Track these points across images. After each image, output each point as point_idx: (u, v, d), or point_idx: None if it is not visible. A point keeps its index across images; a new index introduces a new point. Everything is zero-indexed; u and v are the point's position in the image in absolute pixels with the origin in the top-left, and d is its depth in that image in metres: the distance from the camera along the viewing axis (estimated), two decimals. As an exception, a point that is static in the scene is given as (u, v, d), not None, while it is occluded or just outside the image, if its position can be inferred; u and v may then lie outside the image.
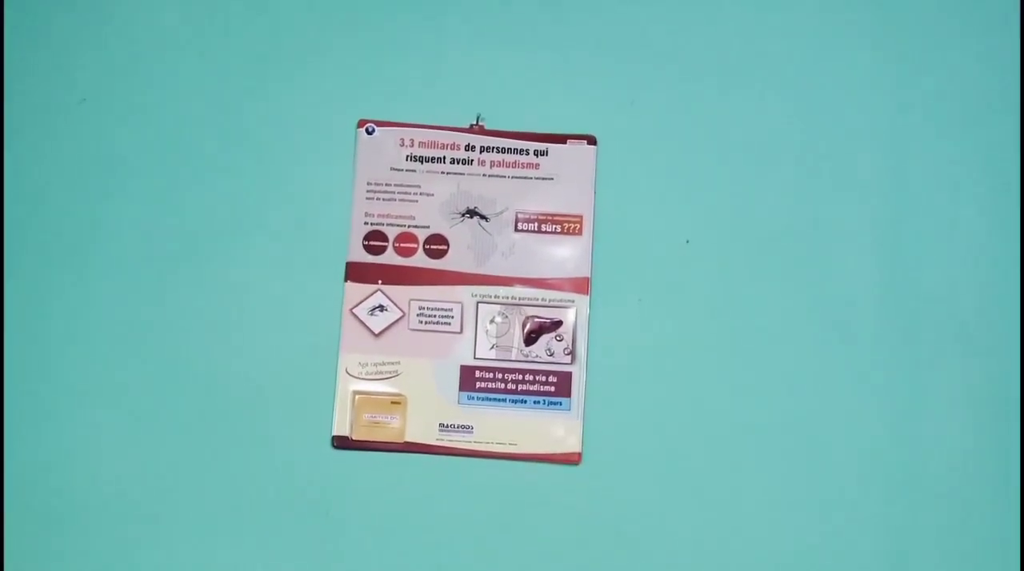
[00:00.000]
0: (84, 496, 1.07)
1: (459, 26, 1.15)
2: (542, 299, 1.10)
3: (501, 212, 1.12)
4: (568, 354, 1.10)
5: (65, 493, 1.07)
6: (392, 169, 1.12)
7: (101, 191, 1.12)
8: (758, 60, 1.16)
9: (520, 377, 1.09)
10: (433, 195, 1.12)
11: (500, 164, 1.12)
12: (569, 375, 1.09)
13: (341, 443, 1.08)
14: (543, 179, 1.12)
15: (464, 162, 1.12)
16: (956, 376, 1.12)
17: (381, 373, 1.09)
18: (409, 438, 1.08)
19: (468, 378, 1.09)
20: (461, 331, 1.10)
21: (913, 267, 1.14)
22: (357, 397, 1.08)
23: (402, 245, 1.11)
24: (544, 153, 1.13)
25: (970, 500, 1.11)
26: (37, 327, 1.09)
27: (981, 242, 1.15)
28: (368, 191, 1.12)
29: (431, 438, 1.08)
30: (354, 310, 1.10)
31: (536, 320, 1.10)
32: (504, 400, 1.09)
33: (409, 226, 1.11)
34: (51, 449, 1.08)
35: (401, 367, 1.09)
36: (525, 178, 1.12)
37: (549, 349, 1.10)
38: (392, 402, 1.09)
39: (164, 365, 1.09)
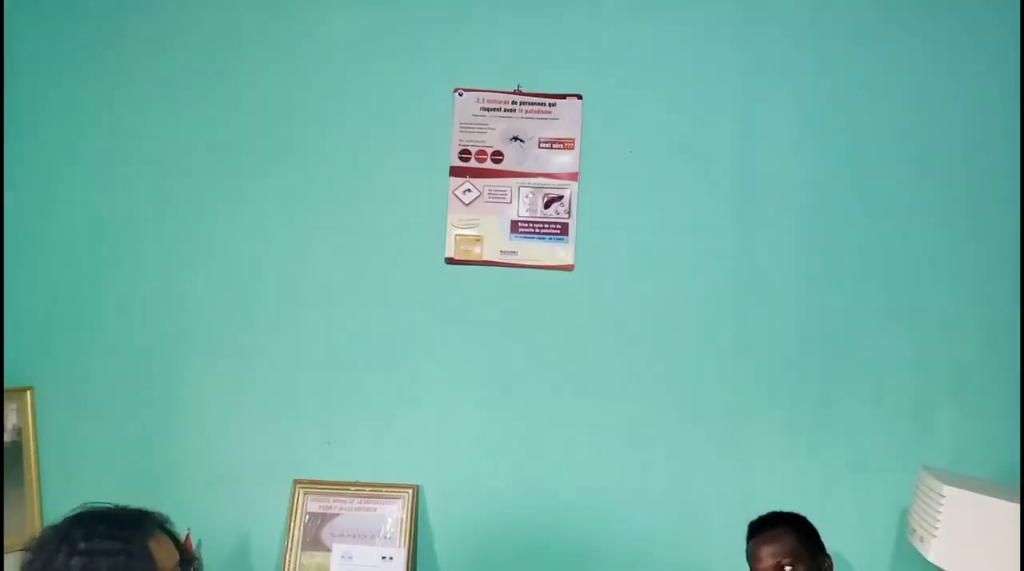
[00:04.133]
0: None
1: (510, 21, 2.08)
2: (553, 184, 2.07)
3: (531, 138, 2.07)
4: (567, 213, 2.07)
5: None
6: (473, 115, 2.08)
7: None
8: None
9: (541, 225, 2.07)
10: (495, 129, 2.08)
11: (530, 111, 2.07)
12: (567, 224, 2.07)
13: (450, 261, 2.09)
14: (553, 119, 2.07)
15: (511, 110, 2.08)
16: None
17: (469, 224, 2.08)
18: (485, 257, 2.08)
19: (514, 226, 2.08)
20: (511, 202, 2.08)
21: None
22: (457, 236, 2.08)
23: (479, 156, 2.08)
24: (554, 104, 2.07)
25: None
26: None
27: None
28: (460, 127, 2.08)
29: (496, 257, 2.08)
30: (455, 191, 2.08)
31: (549, 195, 2.07)
32: (533, 237, 2.08)
33: (482, 146, 2.08)
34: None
35: (480, 221, 2.08)
36: (543, 119, 2.07)
37: (556, 211, 2.07)
38: (475, 239, 2.08)
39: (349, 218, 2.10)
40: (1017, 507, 1.59)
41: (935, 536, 1.64)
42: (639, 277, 2.09)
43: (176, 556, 1.26)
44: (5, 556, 1.75)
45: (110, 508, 1.27)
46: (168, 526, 1.32)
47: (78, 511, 1.24)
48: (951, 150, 2.09)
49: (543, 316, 2.09)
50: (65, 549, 1.17)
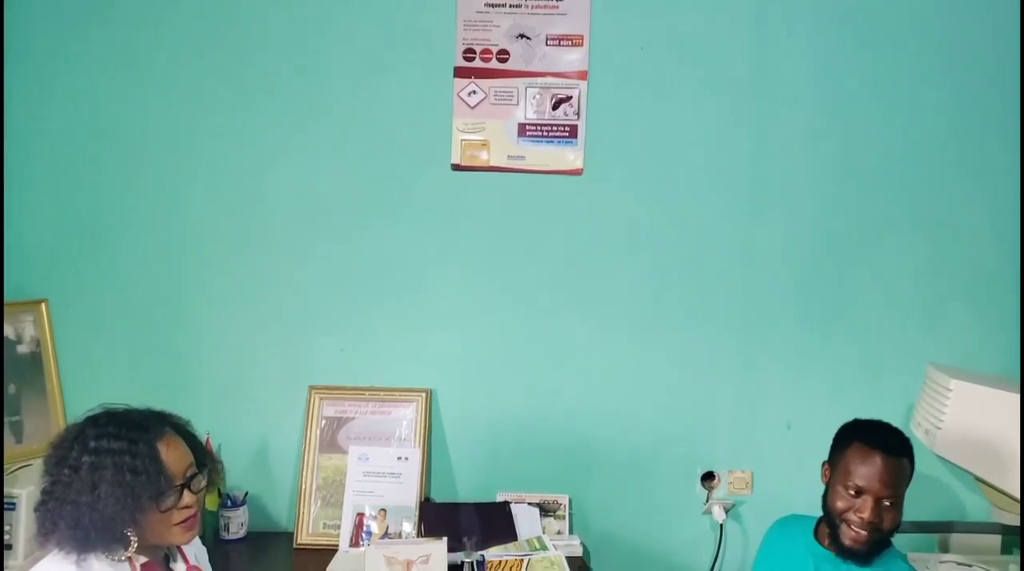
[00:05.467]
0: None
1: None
2: (561, 84, 2.01)
3: (538, 35, 2.00)
4: (576, 114, 2.02)
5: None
6: (477, 12, 2.00)
7: None
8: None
9: (549, 128, 2.03)
10: (500, 26, 2.00)
11: (536, 6, 1.99)
12: (576, 126, 2.02)
13: (456, 167, 2.05)
14: (561, 15, 1.99)
15: (516, 6, 1.99)
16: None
17: (475, 129, 2.04)
18: (492, 163, 2.04)
19: (522, 129, 2.03)
20: (517, 103, 2.02)
21: None
22: (463, 141, 2.04)
23: (483, 55, 2.01)
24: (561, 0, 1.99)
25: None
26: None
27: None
28: (464, 25, 2.01)
29: (503, 162, 2.04)
30: (459, 94, 2.03)
31: (557, 96, 2.02)
32: (541, 141, 2.03)
33: (487, 44, 2.01)
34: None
35: (486, 125, 2.03)
36: (550, 14, 1.99)
37: (565, 112, 2.02)
38: (481, 144, 2.04)
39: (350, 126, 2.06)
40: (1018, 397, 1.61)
41: (940, 428, 1.67)
42: (650, 181, 2.05)
43: (188, 459, 1.28)
44: (33, 461, 1.81)
45: (127, 409, 1.28)
46: (187, 428, 1.34)
47: (96, 411, 1.27)
48: (975, 42, 2.01)
49: (552, 222, 2.07)
50: (78, 446, 1.20)
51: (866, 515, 1.41)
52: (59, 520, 1.17)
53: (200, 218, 2.07)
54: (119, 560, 1.20)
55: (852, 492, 1.44)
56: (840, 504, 1.45)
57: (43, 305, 2.01)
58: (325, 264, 2.08)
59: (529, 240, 2.07)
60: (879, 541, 1.43)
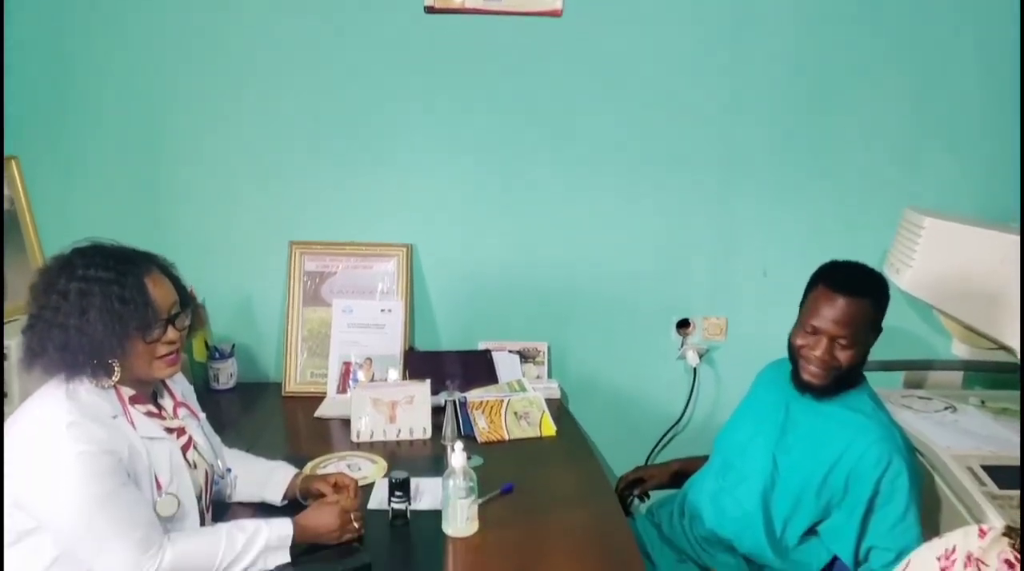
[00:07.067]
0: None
1: None
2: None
3: None
4: None
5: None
6: None
7: None
8: None
9: None
10: None
11: None
12: (554, -37, 1.92)
13: (429, 9, 1.97)
14: None
15: None
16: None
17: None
18: (467, 5, 1.96)
19: None
20: None
21: None
22: (436, -18, 1.95)
23: None
24: None
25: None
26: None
27: None
28: None
29: (479, 4, 1.95)
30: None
31: None
32: None
33: None
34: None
35: None
36: None
37: None
38: (455, -16, 1.95)
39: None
40: (996, 233, 1.63)
41: (910, 266, 1.70)
42: (631, 22, 1.98)
43: (173, 297, 1.29)
44: (17, 317, 1.83)
45: (115, 244, 1.29)
46: (172, 270, 1.34)
47: (84, 242, 1.27)
48: None
49: (530, 68, 2.01)
50: (65, 274, 1.21)
51: (818, 353, 1.45)
52: (48, 343, 1.19)
53: (173, 72, 2.00)
54: (105, 388, 1.24)
55: (809, 331, 1.47)
56: (798, 341, 1.50)
57: (13, 162, 1.96)
58: (298, 116, 2.03)
59: (506, 87, 2.02)
60: (838, 378, 1.48)
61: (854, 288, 1.44)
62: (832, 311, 1.43)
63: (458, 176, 2.07)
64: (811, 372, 1.48)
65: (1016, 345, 1.54)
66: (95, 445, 1.17)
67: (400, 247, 2.10)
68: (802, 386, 1.51)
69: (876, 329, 1.48)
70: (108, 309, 1.19)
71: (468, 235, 2.11)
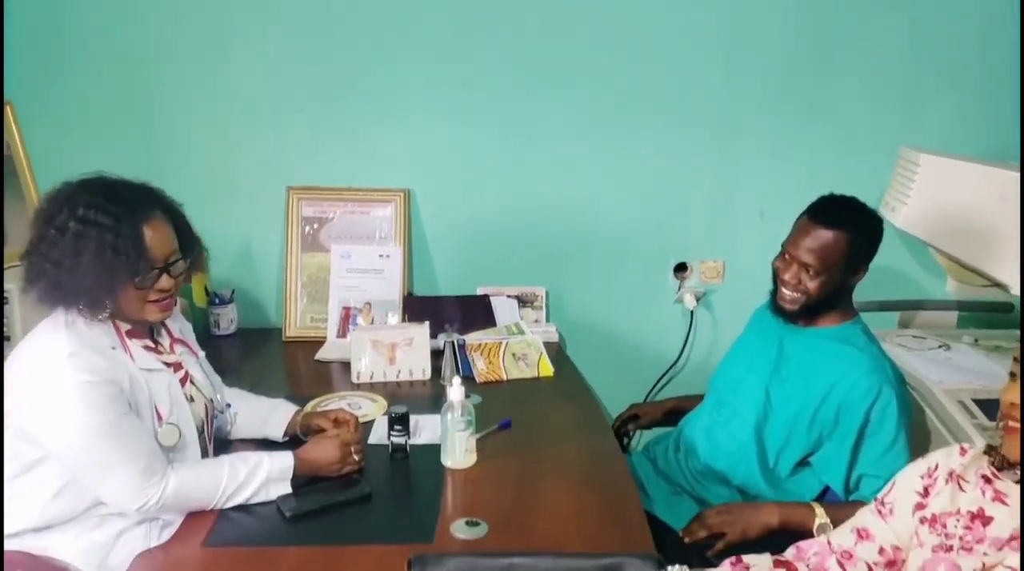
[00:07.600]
0: None
1: None
2: None
3: None
4: None
5: None
6: None
7: None
8: None
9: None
10: None
11: None
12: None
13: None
14: None
15: None
16: None
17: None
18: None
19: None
20: None
21: None
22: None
23: None
24: None
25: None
26: None
27: None
28: None
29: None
30: None
31: None
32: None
33: None
34: None
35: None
36: None
37: None
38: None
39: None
40: (991, 169, 1.62)
41: (905, 204, 1.70)
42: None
43: (172, 245, 1.28)
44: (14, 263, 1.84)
45: (122, 181, 1.27)
46: (178, 210, 1.33)
47: (92, 176, 1.26)
48: None
49: (529, 13, 1.98)
50: (68, 209, 1.21)
51: (787, 277, 1.50)
52: (41, 275, 1.20)
53: (169, 16, 1.98)
54: (100, 320, 1.25)
55: (785, 256, 1.51)
56: (776, 264, 1.54)
57: (8, 108, 1.95)
58: (294, 60, 2.02)
59: (505, 32, 2.00)
60: (808, 305, 1.50)
61: (831, 220, 1.47)
62: (805, 239, 1.47)
63: (455, 121, 2.06)
64: (782, 295, 1.53)
65: (1008, 280, 1.55)
66: (96, 374, 1.19)
67: (397, 192, 2.10)
68: (776, 310, 1.56)
69: (853, 264, 1.48)
70: (100, 255, 1.19)
71: (465, 180, 2.11)
